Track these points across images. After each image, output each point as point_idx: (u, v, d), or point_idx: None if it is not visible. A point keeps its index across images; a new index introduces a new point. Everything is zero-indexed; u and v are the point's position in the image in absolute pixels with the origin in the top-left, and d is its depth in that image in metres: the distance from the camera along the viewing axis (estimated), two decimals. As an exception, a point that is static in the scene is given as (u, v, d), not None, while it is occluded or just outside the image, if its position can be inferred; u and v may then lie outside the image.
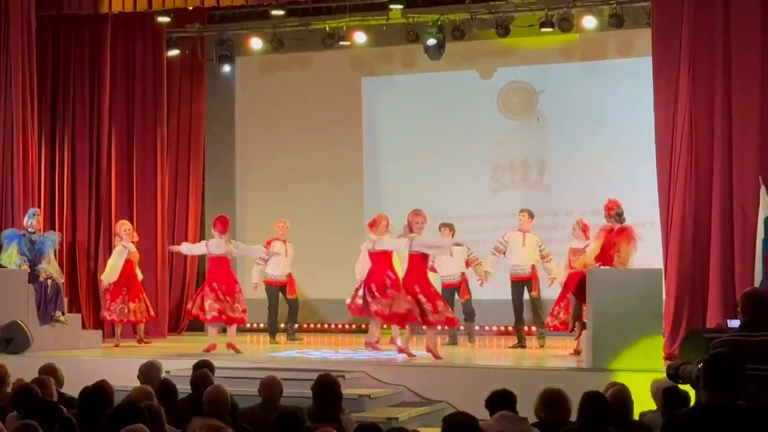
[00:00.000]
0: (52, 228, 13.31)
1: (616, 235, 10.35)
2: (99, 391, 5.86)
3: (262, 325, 14.14)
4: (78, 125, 14.12)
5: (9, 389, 6.79)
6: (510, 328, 13.20)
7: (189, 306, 12.22)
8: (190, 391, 7.12)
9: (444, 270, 12.43)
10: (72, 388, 6.68)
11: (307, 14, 14.85)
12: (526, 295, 12.36)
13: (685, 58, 11.04)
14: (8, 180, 13.00)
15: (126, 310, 12.68)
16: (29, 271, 12.06)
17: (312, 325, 14.86)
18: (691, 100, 10.99)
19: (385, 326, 12.15)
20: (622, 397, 5.98)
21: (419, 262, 10.72)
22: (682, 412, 4.67)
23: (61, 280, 12.46)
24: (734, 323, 8.58)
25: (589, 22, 13.39)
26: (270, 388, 6.93)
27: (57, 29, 14.17)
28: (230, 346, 11.56)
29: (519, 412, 5.74)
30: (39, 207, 13.02)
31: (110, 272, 12.69)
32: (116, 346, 12.65)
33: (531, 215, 12.38)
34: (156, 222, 14.34)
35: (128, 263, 12.76)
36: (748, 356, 4.78)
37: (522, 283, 12.30)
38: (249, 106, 15.94)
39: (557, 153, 14.47)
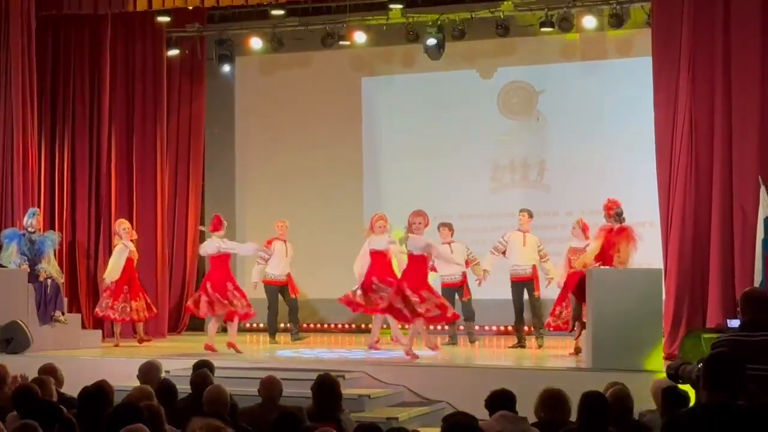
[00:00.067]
0: (52, 228, 13.31)
1: (616, 234, 10.35)
2: (99, 391, 5.86)
3: (261, 325, 14.14)
4: (78, 125, 14.12)
5: (11, 387, 6.79)
6: (510, 328, 13.20)
7: (188, 302, 12.37)
8: (190, 391, 7.11)
9: (444, 269, 12.41)
10: (72, 388, 6.68)
11: (306, 14, 14.85)
12: (525, 295, 12.35)
13: (685, 58, 11.04)
14: (8, 180, 13.00)
15: (128, 309, 12.70)
16: (29, 270, 12.06)
17: (312, 325, 14.85)
18: (691, 100, 10.99)
19: (384, 326, 12.16)
20: (622, 397, 5.98)
21: (419, 263, 10.73)
22: (682, 412, 4.67)
23: (61, 279, 12.46)
24: (734, 323, 8.58)
25: (589, 22, 13.39)
26: (270, 388, 6.93)
27: (57, 29, 14.16)
28: (230, 345, 11.58)
29: (519, 412, 5.74)
30: (39, 207, 13.02)
31: (113, 271, 12.69)
32: (116, 345, 12.65)
33: (531, 215, 12.38)
34: (156, 222, 14.34)
35: (129, 262, 12.78)
36: (747, 356, 4.77)
37: (522, 284, 12.29)
38: (249, 106, 15.93)
39: (557, 153, 14.47)
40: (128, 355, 11.29)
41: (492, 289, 12.59)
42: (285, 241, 13.23)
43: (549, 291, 12.33)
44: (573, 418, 5.65)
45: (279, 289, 13.26)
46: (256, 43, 14.80)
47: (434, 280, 11.88)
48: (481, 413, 5.66)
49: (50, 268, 12.22)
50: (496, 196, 14.71)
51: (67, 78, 14.16)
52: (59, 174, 14.04)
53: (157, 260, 14.22)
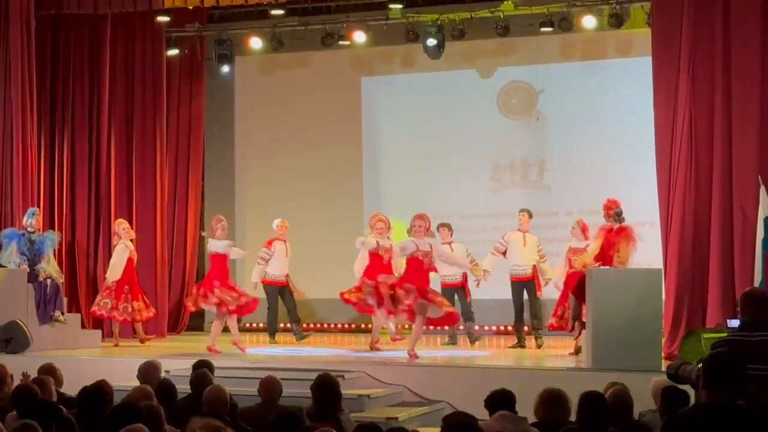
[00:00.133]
0: (52, 228, 13.31)
1: (616, 234, 10.35)
2: (98, 391, 5.86)
3: (261, 325, 14.14)
4: (77, 125, 14.11)
5: (15, 385, 6.79)
6: (510, 328, 13.20)
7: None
8: (190, 391, 7.11)
9: (444, 269, 12.40)
10: (71, 388, 6.67)
11: (306, 14, 14.85)
12: (525, 295, 12.35)
13: (684, 58, 11.03)
14: (8, 179, 12.99)
15: (129, 309, 12.70)
16: (28, 270, 12.05)
17: (312, 325, 14.85)
18: (690, 100, 10.99)
19: (384, 326, 12.15)
20: (622, 396, 5.97)
21: (416, 263, 10.74)
22: (682, 411, 4.66)
23: (61, 279, 12.45)
24: (734, 323, 8.57)
25: (589, 21, 13.38)
26: (269, 388, 6.93)
27: (56, 29, 14.16)
28: (234, 343, 11.64)
29: (518, 412, 5.74)
30: (38, 206, 13.02)
31: (115, 270, 12.69)
32: (116, 345, 12.65)
33: (530, 215, 12.38)
34: (155, 221, 14.34)
35: (129, 262, 12.78)
36: (747, 356, 4.77)
37: (522, 284, 12.29)
38: (249, 106, 15.93)
39: (557, 153, 14.47)
40: (128, 355, 11.29)
41: (492, 289, 12.59)
42: (285, 241, 13.22)
43: (548, 291, 12.33)
44: (573, 418, 5.65)
45: (279, 290, 13.23)
46: (255, 42, 14.80)
47: (434, 280, 11.87)
48: (481, 413, 5.65)
49: (50, 268, 12.21)
50: (496, 196, 14.71)
51: (66, 78, 14.15)
52: (59, 174, 14.04)
53: (156, 260, 14.22)
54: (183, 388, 7.15)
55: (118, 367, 10.18)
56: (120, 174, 14.22)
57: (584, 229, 11.77)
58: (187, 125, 15.19)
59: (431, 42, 13.79)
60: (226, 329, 11.91)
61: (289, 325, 13.34)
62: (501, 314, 13.19)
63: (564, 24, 13.38)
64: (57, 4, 13.43)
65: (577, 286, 10.56)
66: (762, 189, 10.29)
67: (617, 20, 13.06)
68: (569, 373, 9.82)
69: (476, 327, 13.00)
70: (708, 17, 10.99)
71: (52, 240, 12.38)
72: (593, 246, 10.55)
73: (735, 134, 10.82)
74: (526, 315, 12.45)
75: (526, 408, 5.84)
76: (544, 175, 14.59)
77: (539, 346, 12.19)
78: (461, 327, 12.67)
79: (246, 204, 15.78)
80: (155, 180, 14.38)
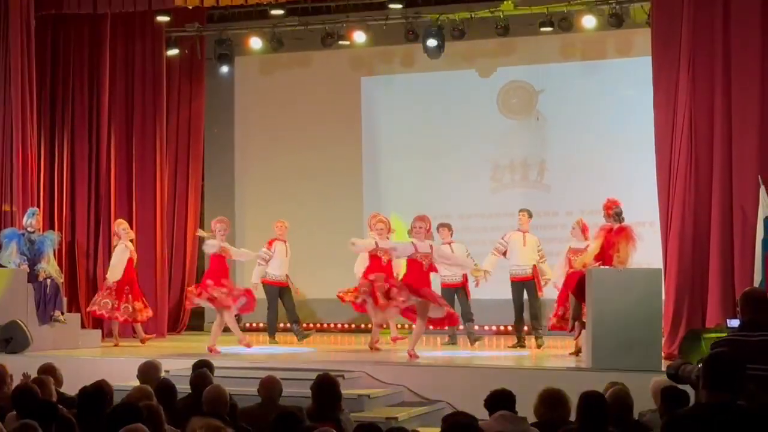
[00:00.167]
0: (52, 228, 13.31)
1: (616, 234, 10.34)
2: (98, 391, 5.86)
3: (261, 325, 14.13)
4: (77, 125, 14.11)
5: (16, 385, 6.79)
6: (510, 328, 13.19)
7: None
8: (190, 391, 7.11)
9: (444, 270, 12.38)
10: (71, 388, 6.68)
11: (306, 13, 14.86)
12: (525, 295, 12.35)
13: (684, 58, 11.03)
14: (7, 179, 12.99)
15: (131, 309, 12.70)
16: (28, 270, 12.05)
17: (312, 325, 14.84)
18: (690, 100, 10.99)
19: (384, 326, 12.16)
20: (622, 396, 5.97)
21: (416, 266, 10.74)
22: (682, 411, 4.66)
23: (61, 279, 12.44)
24: (734, 323, 8.57)
25: (589, 21, 13.38)
26: (269, 387, 6.93)
27: (56, 29, 14.16)
28: (240, 342, 11.80)
29: (518, 412, 5.74)
30: (38, 206, 13.01)
31: (116, 271, 12.69)
32: (115, 345, 12.65)
33: (530, 215, 12.38)
34: (155, 222, 14.34)
35: (129, 262, 12.78)
36: (747, 356, 4.77)
37: (522, 284, 12.28)
38: (248, 106, 15.93)
39: (557, 153, 14.46)
40: (127, 355, 11.29)
41: (492, 289, 12.58)
42: (285, 242, 13.21)
43: (548, 291, 12.32)
44: (573, 418, 5.65)
45: (279, 290, 13.22)
46: (255, 42, 14.80)
47: (434, 280, 11.86)
48: (481, 413, 5.65)
49: (50, 267, 12.21)
50: (496, 196, 14.71)
51: (66, 78, 14.15)
52: (58, 174, 14.03)
53: (156, 260, 14.22)
54: (183, 388, 7.14)
55: (118, 367, 10.17)
56: (120, 174, 14.22)
57: (584, 229, 11.76)
58: (186, 125, 15.19)
59: (432, 44, 13.77)
60: (227, 329, 11.92)
61: (289, 325, 13.34)
62: (501, 314, 13.19)
63: (564, 24, 13.39)
64: (57, 4, 13.42)
65: (577, 286, 10.56)
66: (762, 189, 10.29)
67: (617, 20, 13.06)
68: (569, 373, 9.81)
69: (476, 327, 12.99)
70: (708, 17, 10.98)
71: (52, 240, 12.38)
72: (593, 246, 10.54)
73: (735, 134, 10.81)
74: (526, 315, 12.45)
75: (526, 408, 5.84)
76: (544, 175, 14.59)
77: (539, 346, 12.18)
78: (461, 327, 12.66)
79: (246, 204, 15.78)
80: (155, 180, 14.38)
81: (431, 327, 11.66)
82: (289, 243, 13.23)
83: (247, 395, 7.43)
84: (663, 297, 10.33)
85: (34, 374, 7.14)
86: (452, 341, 12.73)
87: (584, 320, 10.58)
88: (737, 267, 10.59)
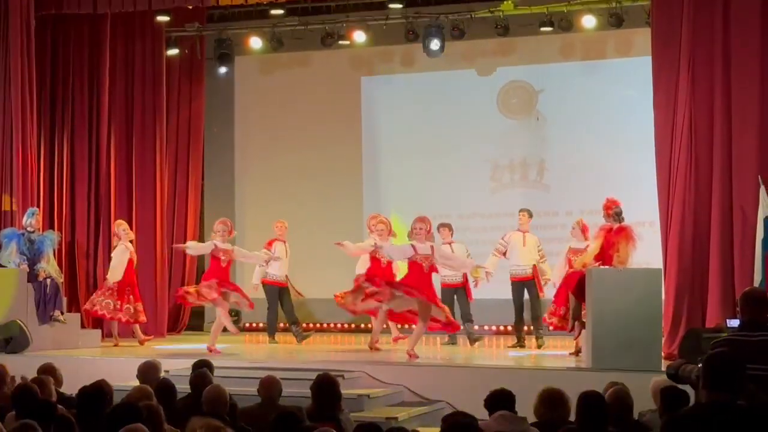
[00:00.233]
0: (51, 227, 13.30)
1: (615, 234, 10.34)
2: (98, 391, 5.85)
3: (261, 325, 14.13)
4: (77, 125, 14.11)
5: (9, 387, 6.79)
6: (509, 328, 13.19)
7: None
8: (189, 391, 7.10)
9: (445, 270, 12.37)
10: (71, 388, 6.67)
11: (306, 13, 14.86)
12: (526, 295, 12.34)
13: (684, 58, 11.03)
14: (7, 179, 12.98)
15: (132, 310, 12.71)
16: (28, 270, 12.04)
17: (312, 325, 14.84)
18: (690, 100, 10.98)
19: (385, 326, 12.15)
20: (621, 396, 5.97)
21: (417, 267, 10.73)
22: (682, 411, 4.66)
23: (60, 279, 12.44)
24: (734, 323, 8.57)
25: (589, 21, 13.39)
26: (269, 387, 6.93)
27: (56, 28, 14.16)
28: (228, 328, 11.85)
29: (518, 412, 5.73)
30: (38, 206, 13.01)
31: (116, 272, 12.68)
32: (115, 345, 12.65)
33: (530, 215, 12.38)
34: (155, 221, 14.34)
35: (129, 263, 12.77)
36: (747, 356, 4.77)
37: (522, 284, 12.29)
38: (248, 106, 15.93)
39: (557, 153, 14.46)
40: (127, 355, 11.29)
41: (492, 289, 12.58)
42: (284, 242, 13.21)
43: (548, 291, 12.31)
44: (573, 417, 5.65)
45: (279, 290, 13.21)
46: (255, 42, 14.81)
47: (434, 280, 11.86)
48: (481, 413, 5.65)
49: (49, 267, 12.20)
50: (495, 195, 14.71)
51: (66, 77, 14.15)
52: (58, 173, 14.03)
53: (156, 260, 14.21)
54: (183, 387, 7.14)
55: (118, 366, 10.17)
56: (120, 174, 14.22)
57: (584, 229, 11.75)
58: (186, 125, 15.19)
59: (435, 46, 13.74)
60: (226, 329, 11.92)
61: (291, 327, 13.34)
62: (501, 314, 13.18)
63: (564, 24, 13.39)
64: (57, 4, 13.42)
65: (577, 286, 10.56)
66: (762, 189, 10.29)
67: (617, 20, 13.06)
68: (569, 373, 9.81)
69: (476, 327, 12.99)
70: (708, 17, 10.98)
71: (51, 240, 12.38)
72: (593, 246, 10.54)
73: (735, 134, 10.81)
74: (526, 315, 12.45)
75: (526, 408, 5.84)
76: (544, 175, 14.59)
77: (539, 346, 12.18)
78: (461, 327, 12.64)
79: (246, 204, 15.78)
80: (155, 180, 14.38)
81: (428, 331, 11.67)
82: (289, 243, 13.23)
83: (247, 395, 7.43)
84: (663, 297, 10.33)
85: (33, 374, 7.13)
86: (452, 341, 12.73)
87: (584, 320, 10.58)
88: (737, 267, 10.58)
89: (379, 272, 11.55)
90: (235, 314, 13.21)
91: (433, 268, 10.92)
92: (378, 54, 15.19)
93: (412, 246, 10.72)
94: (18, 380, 7.04)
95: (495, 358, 11.76)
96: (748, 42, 10.80)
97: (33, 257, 12.14)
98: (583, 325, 10.66)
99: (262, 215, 14.83)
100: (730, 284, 10.57)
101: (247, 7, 14.32)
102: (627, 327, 9.52)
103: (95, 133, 14.12)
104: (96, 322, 13.33)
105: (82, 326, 12.99)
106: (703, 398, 4.45)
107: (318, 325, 14.98)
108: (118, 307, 12.64)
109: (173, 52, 14.81)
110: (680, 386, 5.89)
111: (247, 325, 14.85)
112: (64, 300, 12.58)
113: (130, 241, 12.92)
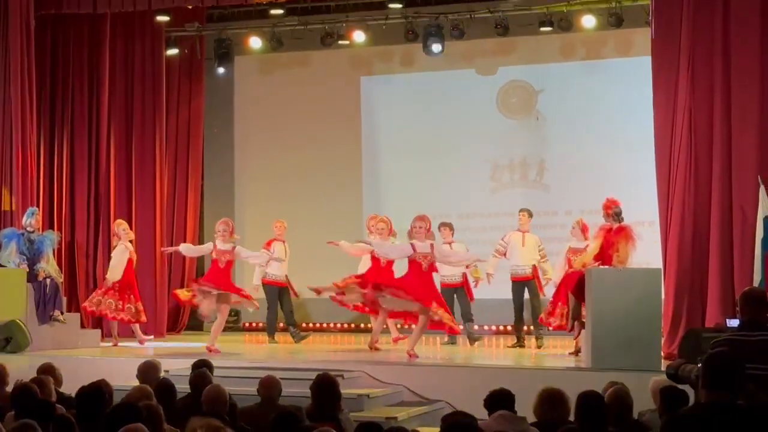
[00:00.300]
0: (51, 227, 13.30)
1: (615, 234, 10.34)
2: (97, 391, 5.85)
3: (261, 325, 14.13)
4: (77, 124, 14.11)
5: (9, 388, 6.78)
6: (509, 328, 13.19)
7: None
8: (189, 391, 7.10)
9: (444, 269, 12.37)
10: (71, 388, 6.66)
11: (306, 13, 14.86)
12: (526, 295, 12.35)
13: (684, 58, 11.02)
14: (7, 179, 12.98)
15: (133, 310, 12.72)
16: (28, 270, 12.04)
17: (311, 325, 14.84)
18: (690, 100, 10.98)
19: (385, 326, 12.15)
20: (621, 396, 5.97)
21: (416, 266, 10.73)
22: (682, 411, 4.66)
23: (60, 279, 12.44)
24: (733, 323, 8.56)
25: (589, 21, 13.39)
26: (269, 387, 6.93)
27: (56, 28, 14.15)
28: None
29: (518, 412, 5.73)
30: (38, 206, 13.01)
31: (116, 271, 12.68)
32: (115, 345, 12.64)
33: (530, 215, 12.38)
34: (155, 221, 14.33)
35: (129, 263, 12.77)
36: (747, 356, 4.77)
37: (522, 284, 12.29)
38: (248, 105, 15.93)
39: (556, 152, 14.47)
40: (127, 355, 11.29)
41: (492, 289, 12.58)
42: (284, 242, 13.21)
43: (549, 291, 12.31)
44: (572, 417, 5.65)
45: (278, 291, 13.20)
46: (255, 42, 14.81)
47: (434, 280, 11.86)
48: (481, 413, 5.65)
49: (49, 267, 12.20)
50: (495, 195, 14.71)
51: (66, 77, 14.15)
52: (58, 173, 14.03)
53: (156, 260, 14.21)
54: (182, 387, 7.14)
55: (118, 366, 10.17)
56: (120, 174, 14.22)
57: (584, 229, 11.76)
58: (186, 125, 15.19)
59: (437, 48, 13.73)
60: (226, 329, 11.91)
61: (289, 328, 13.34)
62: (501, 314, 13.18)
63: (564, 24, 13.40)
64: (57, 3, 13.41)
65: (576, 285, 10.56)
66: (762, 189, 10.28)
67: (617, 19, 13.07)
68: (569, 373, 9.81)
69: (476, 327, 12.99)
70: (708, 17, 10.97)
71: (51, 240, 12.37)
72: (593, 246, 10.54)
73: (735, 134, 10.80)
74: (526, 315, 12.45)
75: (525, 408, 5.84)
76: (544, 175, 14.59)
77: (539, 346, 12.18)
78: (461, 327, 12.64)
79: (245, 203, 15.78)
80: (155, 180, 14.38)
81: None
82: (288, 243, 13.23)
83: (247, 395, 7.43)
84: (663, 297, 10.33)
85: (33, 374, 7.12)
86: (452, 341, 12.73)
87: (584, 320, 10.57)
88: (737, 267, 10.57)
89: (379, 272, 11.54)
90: (234, 314, 13.21)
91: (432, 267, 10.91)
92: (378, 54, 15.20)
93: (412, 245, 10.72)
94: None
95: (494, 357, 11.75)
96: (748, 41, 10.79)
97: (33, 257, 12.13)
98: (582, 325, 10.66)
99: (262, 215, 14.83)
100: (730, 284, 10.56)
101: (246, 7, 14.34)
102: (627, 327, 9.51)
103: (95, 132, 14.12)
104: (95, 322, 13.33)
105: (82, 326, 12.99)
106: (702, 398, 4.45)
107: (318, 325, 14.98)
108: (120, 306, 12.65)
109: (173, 52, 14.81)
110: (680, 386, 5.89)
111: (247, 325, 14.85)
112: (64, 300, 12.58)
113: (130, 241, 12.92)
